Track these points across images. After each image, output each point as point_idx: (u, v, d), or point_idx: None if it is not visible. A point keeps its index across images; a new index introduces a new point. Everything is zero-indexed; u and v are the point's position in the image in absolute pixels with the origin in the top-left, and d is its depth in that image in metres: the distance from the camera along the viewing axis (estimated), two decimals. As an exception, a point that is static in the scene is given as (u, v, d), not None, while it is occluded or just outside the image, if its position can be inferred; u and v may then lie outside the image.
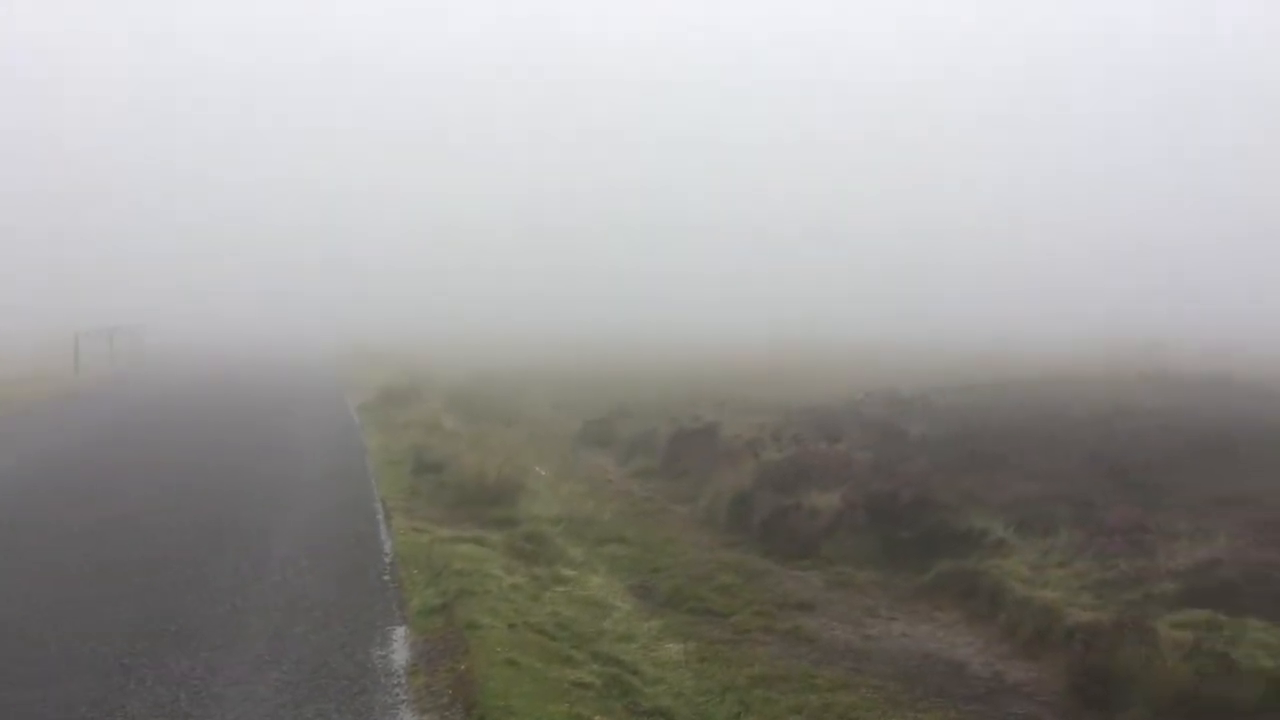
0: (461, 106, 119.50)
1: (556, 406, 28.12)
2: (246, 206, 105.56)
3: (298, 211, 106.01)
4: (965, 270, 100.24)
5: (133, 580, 9.48)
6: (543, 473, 16.26)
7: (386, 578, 9.76)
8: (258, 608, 8.70)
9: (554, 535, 11.87)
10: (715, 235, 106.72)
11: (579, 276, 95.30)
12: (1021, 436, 17.33)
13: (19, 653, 7.49)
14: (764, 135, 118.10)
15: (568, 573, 10.27)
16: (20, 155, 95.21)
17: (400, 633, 8.11)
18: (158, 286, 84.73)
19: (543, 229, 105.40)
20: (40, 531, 11.48)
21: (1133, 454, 14.98)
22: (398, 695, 6.81)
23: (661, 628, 8.88)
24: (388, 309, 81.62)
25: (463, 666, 7.16)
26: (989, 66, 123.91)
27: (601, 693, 6.94)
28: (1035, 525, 10.94)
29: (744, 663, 8.03)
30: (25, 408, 25.22)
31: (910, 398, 25.14)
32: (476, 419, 23.45)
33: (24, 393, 27.93)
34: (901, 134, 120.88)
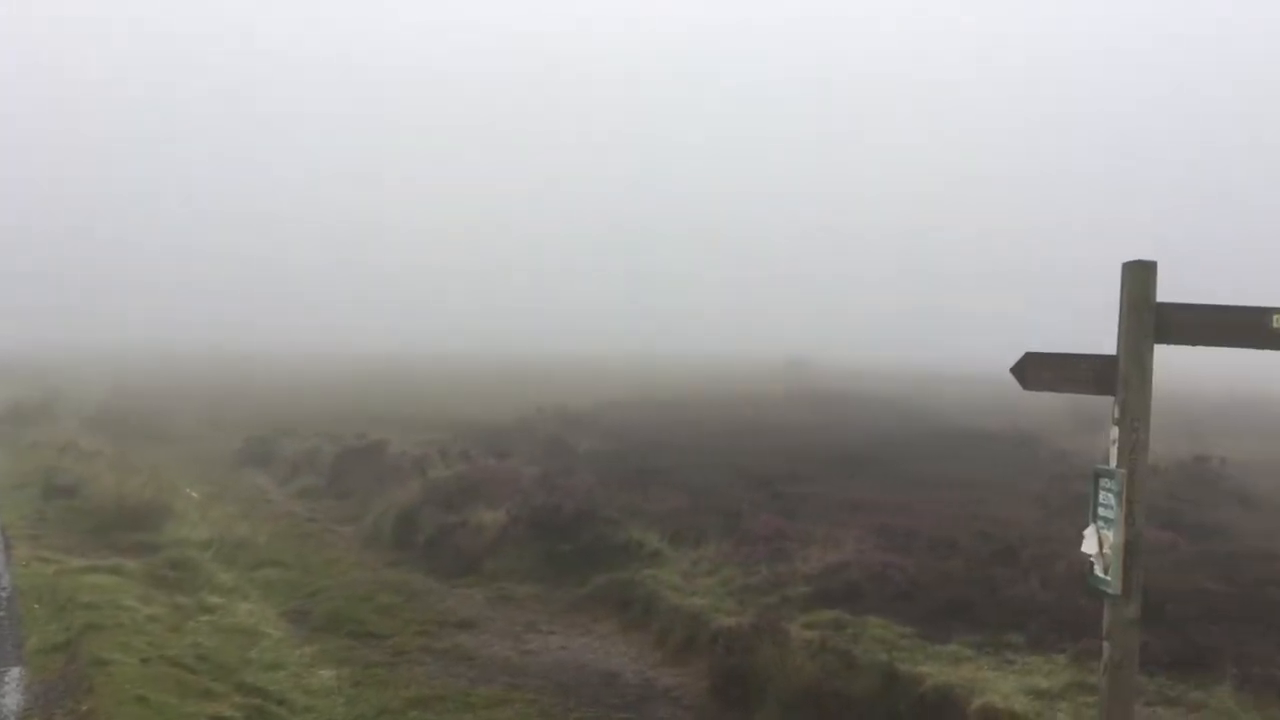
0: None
1: (215, 424, 26.55)
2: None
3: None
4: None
5: None
6: (194, 494, 15.24)
7: (1, 614, 8.79)
8: None
9: (202, 561, 11.15)
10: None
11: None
12: (683, 450, 18.19)
13: None
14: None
15: (214, 600, 9.66)
16: None
17: (14, 674, 7.32)
18: None
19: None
20: None
21: (780, 465, 16.09)
22: (5, 745, 6.14)
23: (315, 653, 8.54)
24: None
25: (85, 707, 6.56)
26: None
27: (243, 726, 6.57)
28: (688, 536, 11.47)
29: (401, 685, 7.87)
30: None
31: (583, 413, 25.77)
32: (122, 438, 21.68)
33: None
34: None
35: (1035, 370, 5.54)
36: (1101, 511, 5.20)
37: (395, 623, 9.60)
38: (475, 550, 11.80)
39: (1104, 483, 5.19)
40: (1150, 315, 5.12)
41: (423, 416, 25.09)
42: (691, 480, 14.95)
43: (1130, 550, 5.01)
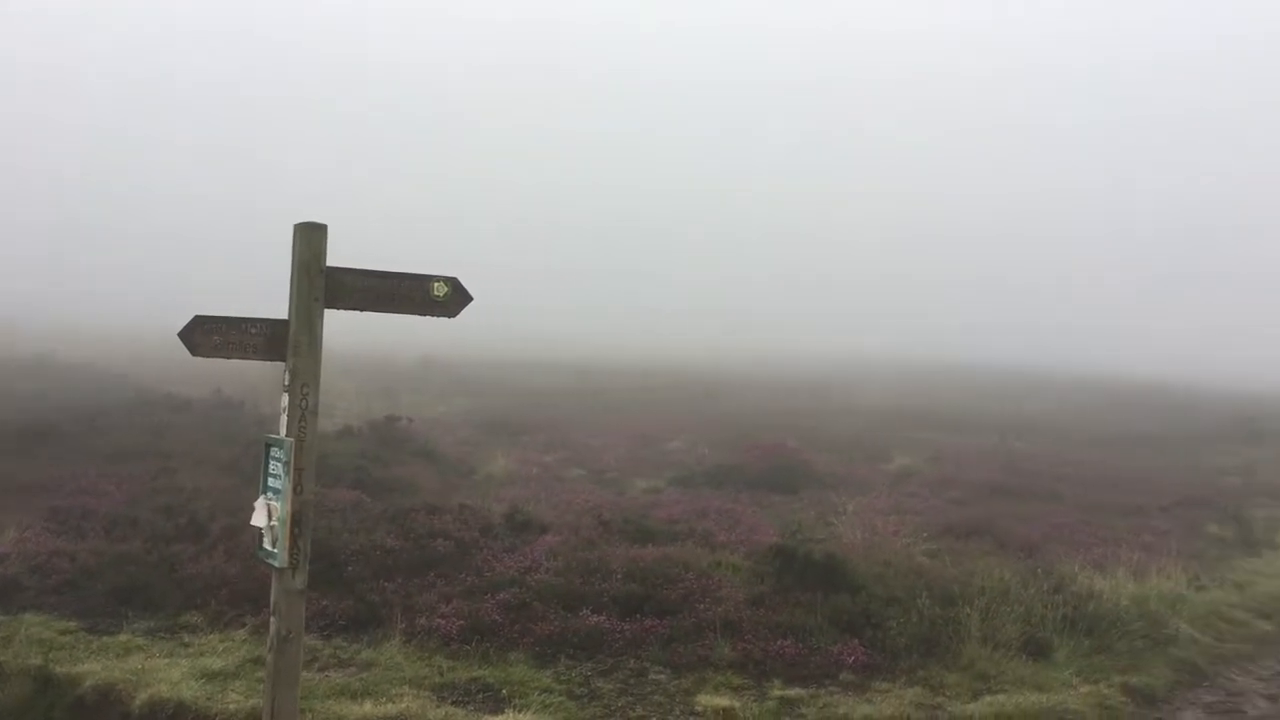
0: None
1: None
2: None
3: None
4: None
5: None
6: None
7: None
8: None
9: None
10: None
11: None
12: None
13: None
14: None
15: None
16: None
17: None
18: None
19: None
20: None
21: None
22: None
23: None
24: None
25: None
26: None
27: None
28: None
29: None
30: None
31: None
32: None
33: None
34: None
35: (204, 335, 5.09)
36: (271, 482, 5.00)
37: None
38: None
39: (274, 452, 4.99)
40: (320, 279, 5.02)
41: None
42: None
43: (297, 520, 4.86)
